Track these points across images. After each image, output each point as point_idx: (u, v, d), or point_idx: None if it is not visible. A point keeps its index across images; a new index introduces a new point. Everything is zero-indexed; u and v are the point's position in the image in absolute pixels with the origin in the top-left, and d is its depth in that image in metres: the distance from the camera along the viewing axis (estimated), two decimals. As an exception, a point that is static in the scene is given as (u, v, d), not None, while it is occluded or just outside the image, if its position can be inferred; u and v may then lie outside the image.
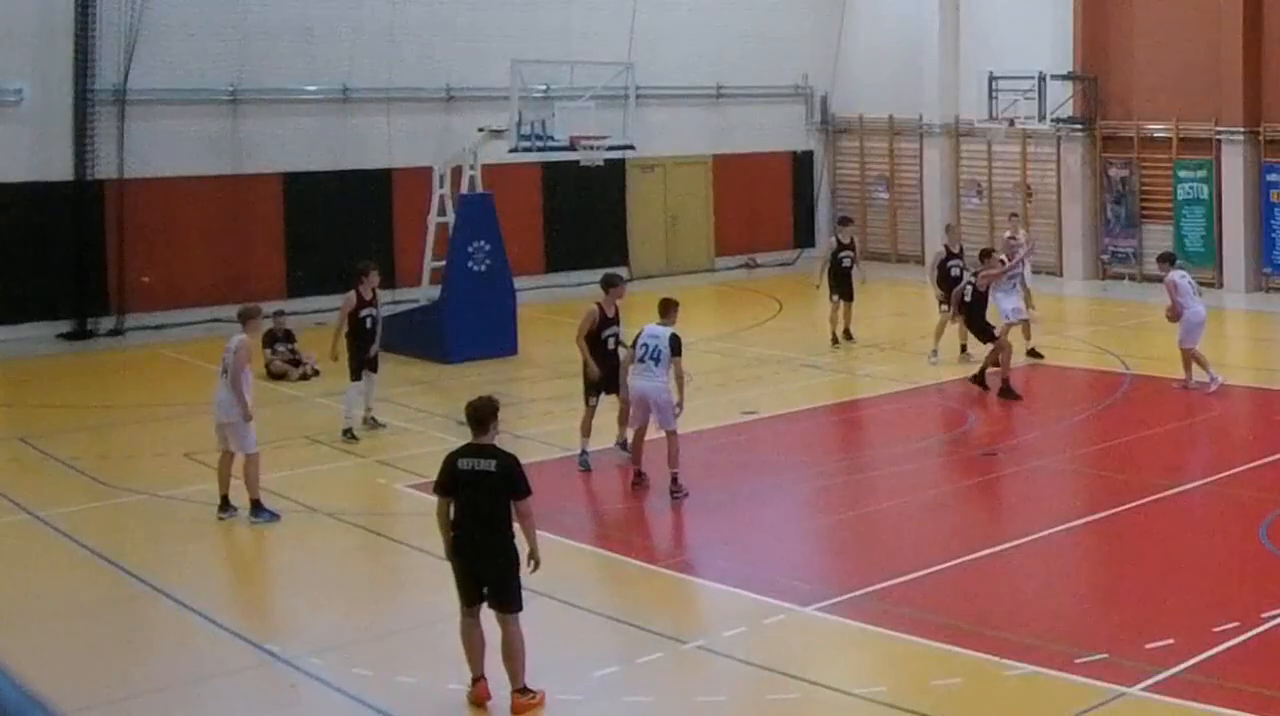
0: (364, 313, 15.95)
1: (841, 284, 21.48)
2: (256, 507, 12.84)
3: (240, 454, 12.90)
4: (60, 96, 23.08)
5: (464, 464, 8.89)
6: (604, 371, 14.48)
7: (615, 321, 14.72)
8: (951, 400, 18.11)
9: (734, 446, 15.95)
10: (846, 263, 21.47)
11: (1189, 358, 17.85)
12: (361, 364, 15.91)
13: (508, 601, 8.85)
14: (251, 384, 13.06)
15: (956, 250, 21.04)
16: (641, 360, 13.30)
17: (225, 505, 12.90)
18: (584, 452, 14.60)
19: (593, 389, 14.60)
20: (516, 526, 8.94)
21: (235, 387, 12.80)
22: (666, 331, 13.38)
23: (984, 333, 18.49)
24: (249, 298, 24.37)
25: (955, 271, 20.36)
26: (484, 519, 8.82)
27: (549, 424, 16.95)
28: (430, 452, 15.29)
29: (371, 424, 16.24)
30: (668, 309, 13.72)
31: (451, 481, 8.88)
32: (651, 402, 13.27)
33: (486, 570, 8.86)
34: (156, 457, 15.46)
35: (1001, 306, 18.89)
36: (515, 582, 8.89)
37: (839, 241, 21.82)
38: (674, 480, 13.27)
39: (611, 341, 14.64)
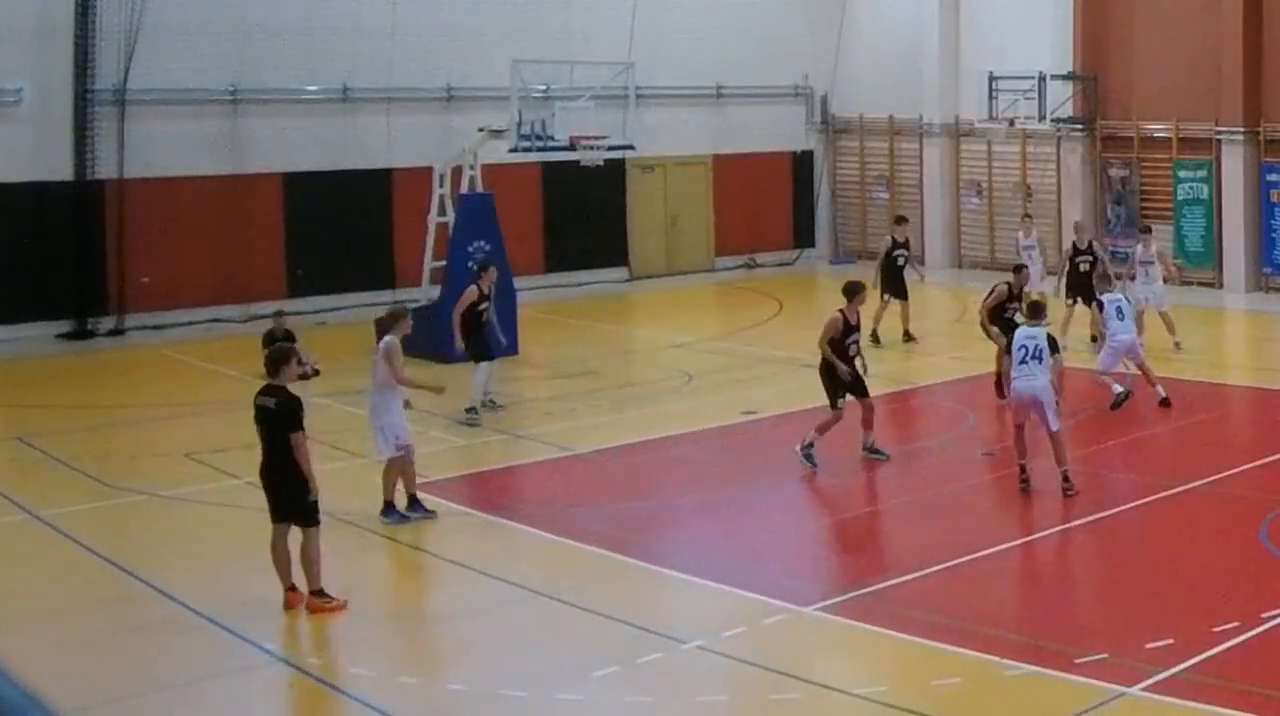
0: (481, 306, 16.86)
1: (894, 282, 21.42)
2: (389, 508, 12.79)
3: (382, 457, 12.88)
4: (60, 96, 23.10)
5: (257, 401, 10.76)
6: (850, 376, 14.50)
7: (857, 327, 14.84)
8: (951, 400, 18.10)
9: (734, 446, 15.95)
10: (901, 261, 21.48)
11: (1142, 370, 17.18)
12: (483, 345, 16.78)
13: (299, 517, 10.53)
14: (402, 388, 12.95)
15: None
16: (1023, 362, 13.28)
17: (414, 502, 12.87)
18: (810, 445, 14.37)
19: (841, 392, 14.50)
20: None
21: (400, 379, 12.85)
22: (1042, 331, 13.55)
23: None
24: (249, 298, 24.56)
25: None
26: (272, 449, 10.58)
27: (549, 424, 16.96)
28: (431, 453, 15.33)
29: (491, 406, 17.07)
30: (1038, 311, 14.00)
31: (255, 416, 10.75)
32: (1041, 401, 13.18)
33: (277, 490, 10.58)
34: (156, 457, 15.46)
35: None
36: (301, 502, 10.49)
37: (894, 239, 21.78)
38: (1065, 477, 13.18)
39: (854, 347, 14.65)
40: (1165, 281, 21.29)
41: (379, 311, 18.92)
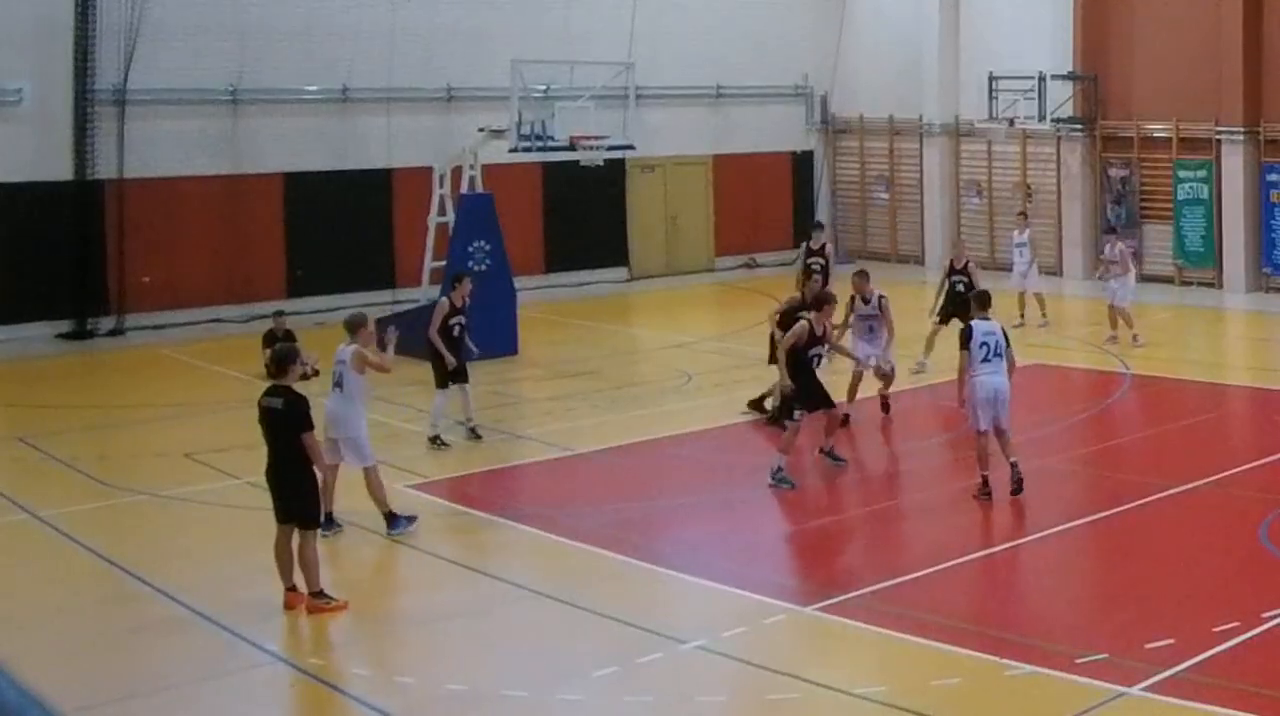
0: (453, 320, 15.67)
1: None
2: (393, 519, 12.34)
3: (359, 467, 12.36)
4: (60, 96, 23.10)
5: (263, 402, 10.69)
6: (804, 388, 14.10)
7: (821, 341, 14.40)
8: (950, 400, 18.06)
9: (734, 446, 15.95)
10: (816, 269, 20.45)
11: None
12: (447, 372, 15.52)
13: (298, 518, 10.55)
14: (367, 393, 12.68)
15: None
16: (986, 359, 13.17)
17: (329, 521, 12.14)
18: (779, 469, 13.83)
19: (797, 404, 14.13)
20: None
21: (388, 367, 12.63)
22: (997, 324, 13.55)
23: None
24: (249, 298, 24.57)
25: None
26: (275, 448, 10.56)
27: (549, 424, 16.96)
28: (432, 453, 15.34)
29: (470, 435, 15.76)
30: (987, 300, 13.86)
31: (259, 417, 10.72)
32: (1003, 398, 13.20)
33: (281, 490, 10.56)
34: (156, 457, 15.46)
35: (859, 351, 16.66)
36: (304, 503, 10.56)
37: (809, 248, 21.13)
38: (1014, 467, 13.17)
39: (816, 359, 14.34)
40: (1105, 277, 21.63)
41: (379, 312, 18.84)
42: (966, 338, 13.27)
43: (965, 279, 19.60)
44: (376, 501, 12.41)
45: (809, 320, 14.29)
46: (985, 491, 13.19)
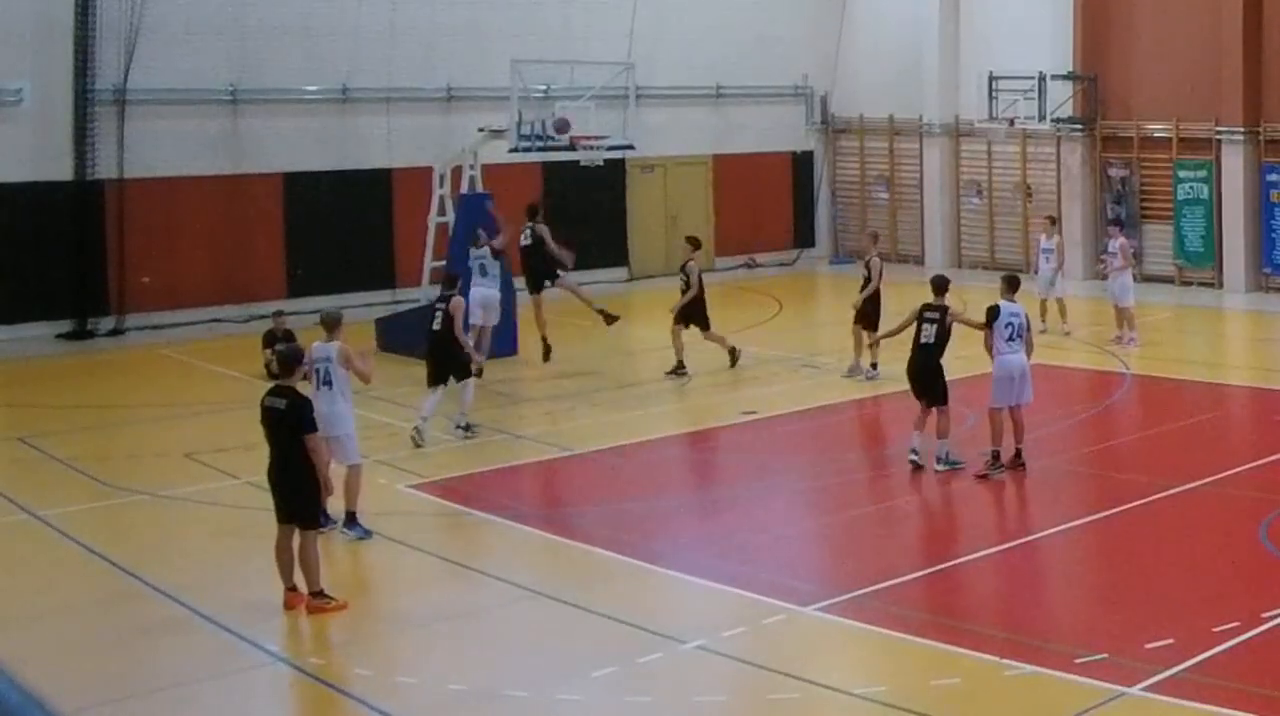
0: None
1: (689, 309, 19.61)
2: (353, 521, 12.30)
3: (343, 466, 12.18)
4: (60, 96, 23.09)
5: (266, 402, 10.71)
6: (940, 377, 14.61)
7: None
8: (951, 400, 18.05)
9: (734, 446, 15.95)
10: (683, 287, 19.62)
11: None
12: (467, 367, 15.94)
13: (299, 518, 10.56)
14: (349, 390, 12.64)
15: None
16: (1010, 339, 13.97)
17: (325, 518, 11.94)
18: (946, 453, 14.20)
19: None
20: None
21: (370, 377, 12.90)
22: (1022, 307, 14.30)
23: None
24: (249, 298, 24.57)
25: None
26: (279, 448, 10.59)
27: (549, 424, 16.95)
28: (431, 453, 15.33)
29: (416, 436, 15.61)
30: (1016, 284, 14.42)
31: (261, 417, 10.74)
32: (1025, 376, 14.00)
33: (283, 491, 10.59)
34: (156, 457, 15.46)
35: None
36: (305, 503, 10.56)
37: (681, 266, 20.00)
38: (1019, 453, 14.06)
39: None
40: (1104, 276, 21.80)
41: (379, 312, 18.72)
42: (993, 317, 13.99)
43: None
44: (349, 498, 12.28)
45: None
46: (995, 465, 13.90)
